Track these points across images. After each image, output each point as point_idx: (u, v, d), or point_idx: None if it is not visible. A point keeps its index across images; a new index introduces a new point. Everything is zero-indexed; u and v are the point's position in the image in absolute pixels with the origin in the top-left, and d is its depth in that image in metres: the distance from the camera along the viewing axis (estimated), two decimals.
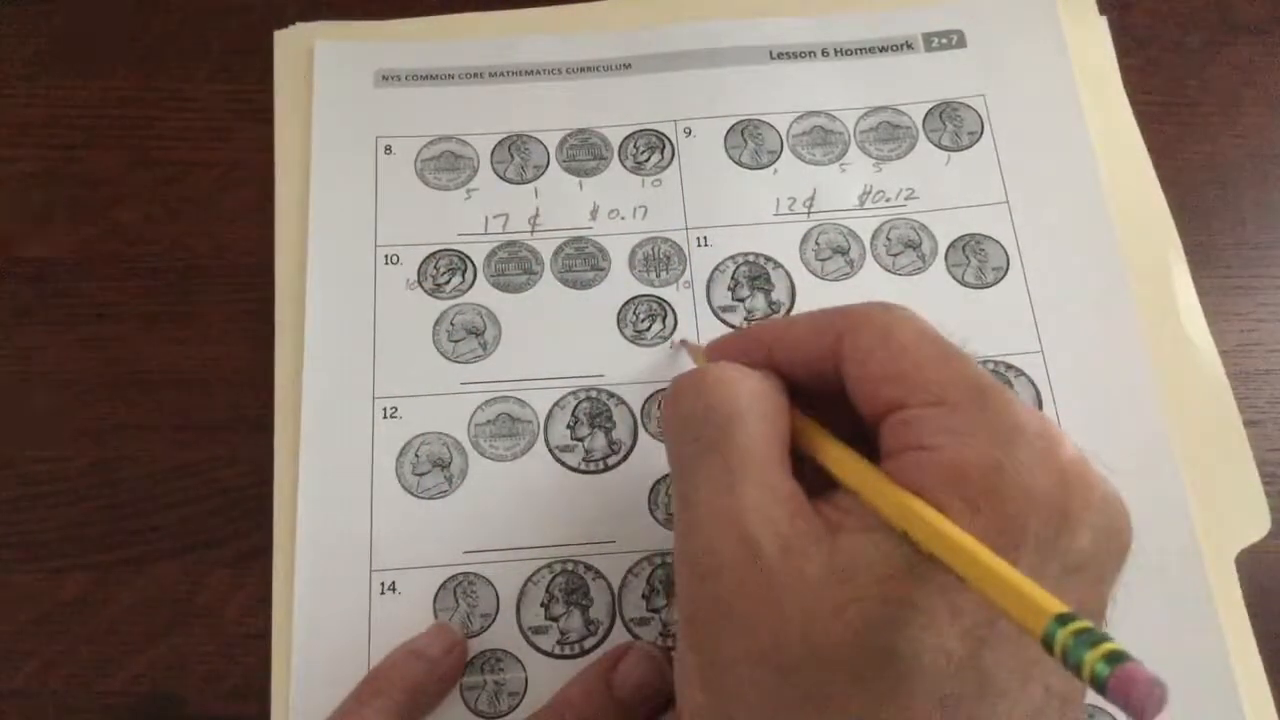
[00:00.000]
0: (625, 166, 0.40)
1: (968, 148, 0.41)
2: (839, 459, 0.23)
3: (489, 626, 0.34)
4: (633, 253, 0.39)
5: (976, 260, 0.39)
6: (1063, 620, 0.17)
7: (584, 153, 0.41)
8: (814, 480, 0.24)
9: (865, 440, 0.24)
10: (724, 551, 0.22)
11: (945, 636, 0.20)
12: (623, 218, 0.39)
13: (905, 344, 0.23)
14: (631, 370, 0.37)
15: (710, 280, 0.38)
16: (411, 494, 0.35)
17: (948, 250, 0.39)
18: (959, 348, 0.23)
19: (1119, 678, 0.15)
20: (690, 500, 0.23)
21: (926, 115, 0.41)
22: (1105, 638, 0.16)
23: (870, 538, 0.21)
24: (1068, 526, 0.20)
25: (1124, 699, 0.15)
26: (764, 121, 0.41)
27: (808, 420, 0.25)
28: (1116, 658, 0.15)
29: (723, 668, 0.21)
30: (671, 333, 0.38)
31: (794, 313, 0.38)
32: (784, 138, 0.41)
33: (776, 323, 0.28)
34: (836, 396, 0.25)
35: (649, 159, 0.40)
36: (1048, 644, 0.17)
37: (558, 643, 0.33)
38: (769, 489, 0.22)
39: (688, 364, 0.36)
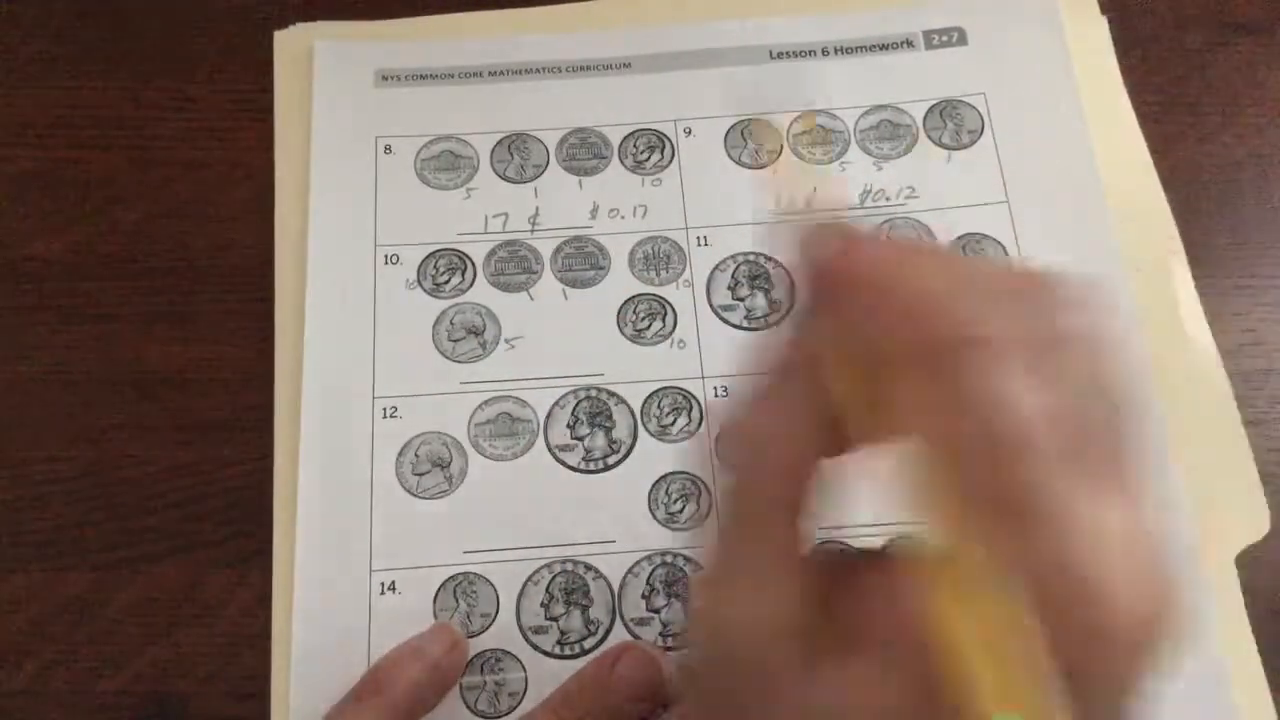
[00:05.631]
0: (625, 166, 0.40)
1: (968, 146, 0.41)
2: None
3: (489, 626, 0.34)
4: (633, 252, 0.39)
5: None
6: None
7: (584, 152, 0.41)
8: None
9: None
10: (749, 645, 0.20)
11: None
12: (623, 217, 0.39)
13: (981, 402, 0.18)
14: (631, 369, 0.37)
15: (710, 279, 0.38)
16: (411, 494, 0.35)
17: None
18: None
19: None
20: (731, 556, 0.21)
21: (927, 114, 0.41)
22: None
23: (879, 671, 0.19)
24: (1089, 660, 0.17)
25: None
26: (764, 121, 0.41)
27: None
28: None
29: None
30: (672, 331, 0.37)
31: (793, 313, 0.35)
32: (784, 137, 0.41)
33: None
34: None
35: (649, 158, 0.40)
36: None
37: (558, 643, 0.33)
38: (799, 585, 0.20)
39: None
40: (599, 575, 0.34)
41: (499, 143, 0.41)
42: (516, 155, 0.40)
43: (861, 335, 0.19)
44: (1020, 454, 0.17)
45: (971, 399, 0.17)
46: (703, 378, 0.37)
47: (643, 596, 0.34)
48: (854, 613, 0.20)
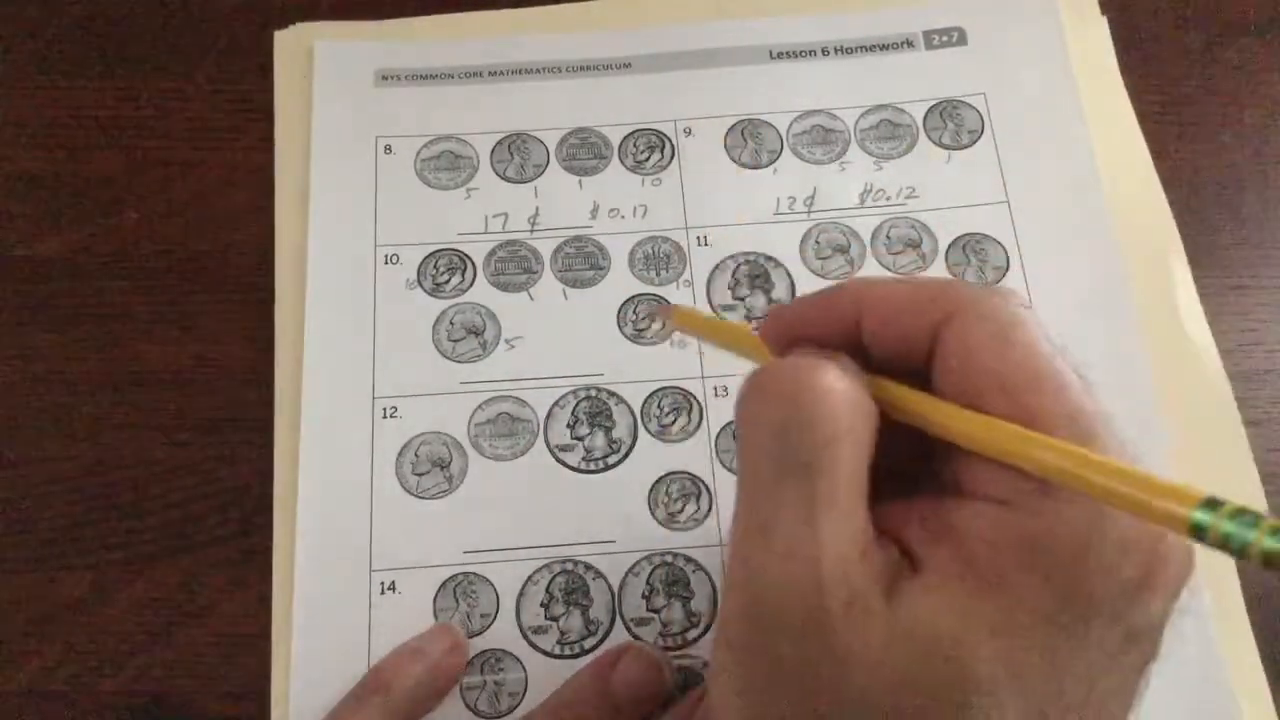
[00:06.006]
0: (625, 165, 0.40)
1: (968, 146, 0.41)
2: (942, 420, 0.20)
3: (489, 626, 0.34)
4: (633, 251, 0.39)
5: (977, 259, 0.39)
6: (1210, 505, 0.16)
7: (584, 152, 0.41)
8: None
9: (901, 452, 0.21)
10: (793, 603, 0.19)
11: (1008, 713, 0.19)
12: (623, 217, 0.39)
13: (1025, 353, 0.20)
14: (631, 369, 0.37)
15: (710, 279, 0.38)
16: (411, 494, 0.35)
17: (948, 249, 0.39)
18: (1076, 364, 0.20)
19: None
20: (766, 528, 0.20)
21: (927, 114, 0.41)
22: (1262, 515, 0.15)
23: (932, 597, 0.19)
24: (1141, 599, 0.19)
25: None
26: (764, 121, 0.41)
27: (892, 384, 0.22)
28: None
29: None
30: (672, 331, 0.37)
31: None
32: (784, 137, 0.41)
33: (869, 287, 0.22)
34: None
35: (649, 158, 0.40)
36: (1198, 533, 0.16)
37: (558, 643, 0.33)
38: (851, 529, 0.20)
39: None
40: (599, 575, 0.34)
41: (499, 143, 0.41)
42: (516, 155, 0.40)
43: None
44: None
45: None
46: (703, 377, 0.37)
47: (643, 596, 0.34)
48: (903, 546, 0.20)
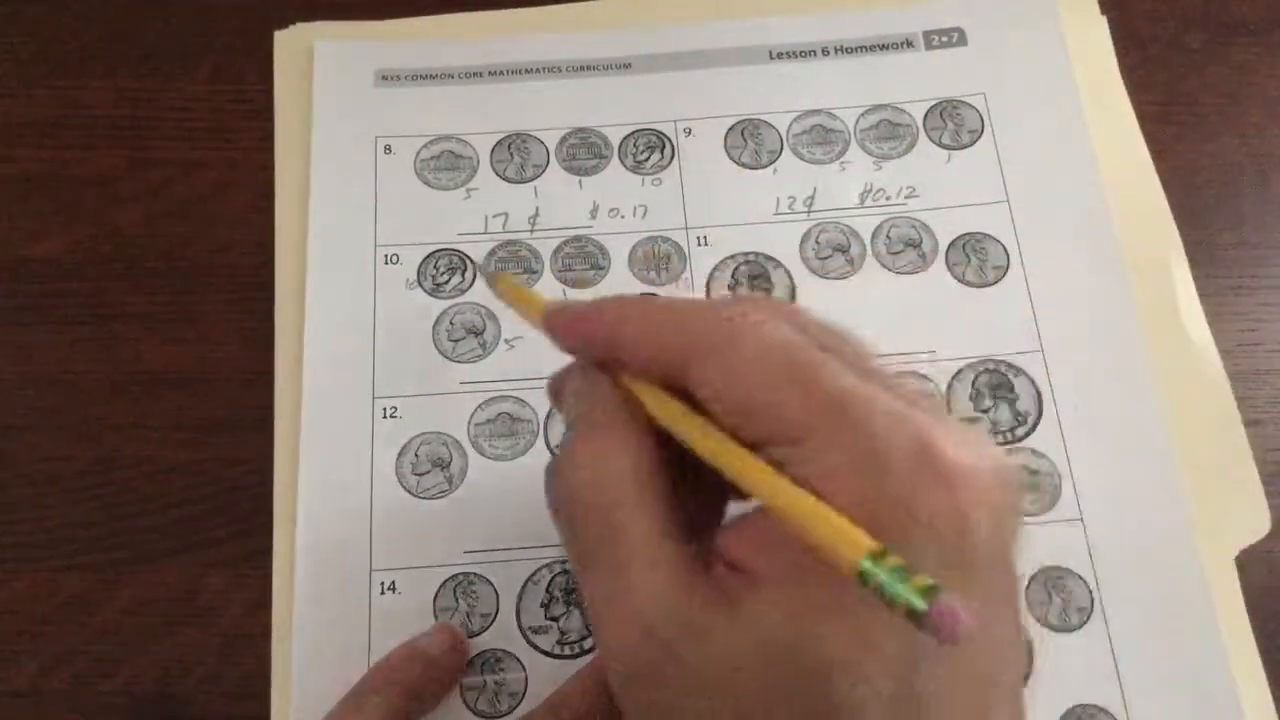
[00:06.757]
0: (625, 166, 0.40)
1: (968, 146, 0.41)
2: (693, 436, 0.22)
3: (489, 626, 0.34)
4: (633, 251, 0.39)
5: (977, 259, 0.39)
6: (876, 557, 0.17)
7: (584, 152, 0.41)
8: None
9: None
10: (635, 651, 0.21)
11: (874, 680, 0.19)
12: (622, 217, 0.39)
13: (749, 370, 0.21)
14: None
15: (710, 279, 0.38)
16: (411, 494, 0.35)
17: (948, 249, 0.39)
18: (812, 352, 0.21)
19: (938, 609, 0.16)
20: (591, 601, 0.22)
21: (927, 114, 0.41)
22: (914, 572, 0.17)
23: (769, 599, 0.20)
24: (966, 527, 0.19)
25: (943, 628, 0.16)
26: (764, 121, 0.41)
27: (657, 395, 0.23)
28: (933, 591, 0.16)
29: None
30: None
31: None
32: (784, 137, 0.41)
33: (621, 315, 0.23)
34: None
35: (649, 158, 0.40)
36: (864, 580, 0.17)
37: (558, 643, 0.33)
38: (662, 569, 0.21)
39: None
40: None
41: (499, 143, 0.41)
42: (516, 155, 0.40)
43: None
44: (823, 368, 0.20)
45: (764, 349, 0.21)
46: None
47: None
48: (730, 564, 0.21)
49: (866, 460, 0.19)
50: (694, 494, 0.23)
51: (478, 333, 0.38)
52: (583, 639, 0.33)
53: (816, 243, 0.39)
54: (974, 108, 0.41)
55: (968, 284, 0.38)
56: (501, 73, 0.42)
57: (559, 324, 0.25)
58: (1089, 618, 0.33)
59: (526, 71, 0.42)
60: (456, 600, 0.34)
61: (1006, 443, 0.36)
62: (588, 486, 0.22)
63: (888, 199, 0.40)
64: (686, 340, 0.22)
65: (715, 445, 0.21)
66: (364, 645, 0.33)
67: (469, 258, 0.39)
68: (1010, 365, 0.37)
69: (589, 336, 0.24)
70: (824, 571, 0.19)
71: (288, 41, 0.42)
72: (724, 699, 0.20)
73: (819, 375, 0.20)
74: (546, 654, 0.33)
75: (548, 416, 0.36)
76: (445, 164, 0.40)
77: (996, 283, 0.38)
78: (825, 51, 0.42)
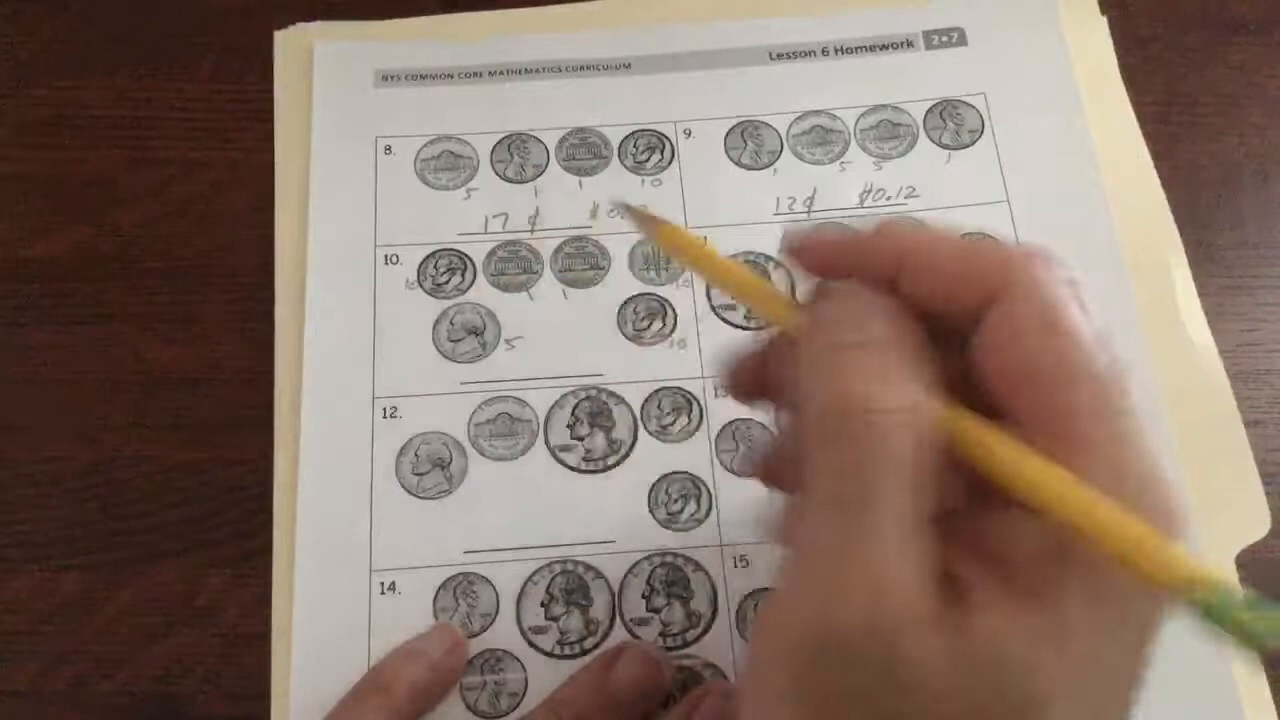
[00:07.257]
0: (625, 166, 0.40)
1: (968, 146, 0.41)
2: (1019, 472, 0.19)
3: (489, 626, 0.34)
4: (632, 251, 0.39)
5: None
6: (1215, 588, 0.17)
7: (584, 152, 0.41)
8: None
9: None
10: (855, 638, 0.19)
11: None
12: (623, 217, 0.39)
13: (1068, 343, 0.19)
14: (631, 369, 0.37)
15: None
16: (411, 494, 0.35)
17: None
18: (1113, 353, 0.20)
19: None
20: (818, 556, 0.20)
21: (927, 114, 0.41)
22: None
23: (992, 618, 0.19)
24: (1149, 590, 0.19)
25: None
26: (764, 122, 0.41)
27: (966, 420, 0.20)
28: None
29: None
30: (672, 331, 0.37)
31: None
32: (784, 138, 0.41)
33: (914, 241, 0.21)
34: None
35: (649, 159, 0.40)
36: (1208, 614, 0.17)
37: (558, 643, 0.33)
38: (912, 558, 0.19)
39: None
40: (599, 575, 0.34)
41: (499, 143, 0.41)
42: (516, 155, 0.40)
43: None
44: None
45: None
46: (703, 378, 0.37)
47: (642, 596, 0.34)
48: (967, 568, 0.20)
49: (1128, 492, 0.19)
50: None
51: (478, 333, 0.38)
52: (582, 639, 0.33)
53: None
54: (974, 108, 0.41)
55: None
56: (501, 73, 0.42)
57: (822, 247, 0.23)
58: None
59: (526, 71, 0.42)
60: (456, 600, 0.34)
61: None
62: (870, 438, 0.19)
63: (888, 199, 0.40)
64: (1004, 270, 0.20)
65: (1017, 457, 0.19)
66: (364, 645, 0.33)
67: (469, 258, 0.39)
68: None
69: (879, 250, 0.22)
70: (1053, 599, 0.18)
71: (288, 42, 0.42)
72: (920, 710, 0.19)
73: (1113, 387, 0.19)
74: (546, 654, 0.33)
75: (547, 416, 0.36)
76: (445, 164, 0.40)
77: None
78: (825, 52, 0.42)
